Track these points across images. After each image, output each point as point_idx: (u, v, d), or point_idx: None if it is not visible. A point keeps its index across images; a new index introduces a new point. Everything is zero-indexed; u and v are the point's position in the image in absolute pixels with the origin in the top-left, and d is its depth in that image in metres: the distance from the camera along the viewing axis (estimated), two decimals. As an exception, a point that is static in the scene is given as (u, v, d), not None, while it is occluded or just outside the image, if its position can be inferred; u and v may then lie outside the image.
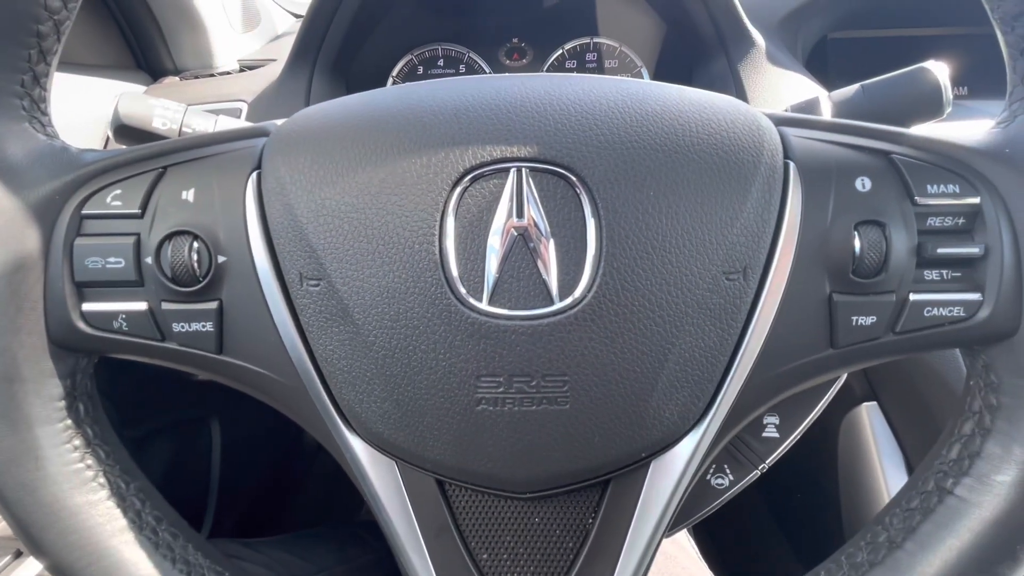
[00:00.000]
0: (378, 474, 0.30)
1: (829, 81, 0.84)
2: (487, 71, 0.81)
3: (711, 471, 0.34)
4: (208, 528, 0.79)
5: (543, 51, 0.81)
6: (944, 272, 0.27)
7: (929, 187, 0.27)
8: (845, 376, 0.32)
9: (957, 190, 0.27)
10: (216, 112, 0.74)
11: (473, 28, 0.80)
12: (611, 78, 0.30)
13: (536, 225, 0.26)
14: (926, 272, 0.27)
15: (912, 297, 0.27)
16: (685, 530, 0.62)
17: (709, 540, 0.72)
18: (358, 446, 0.29)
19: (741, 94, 0.66)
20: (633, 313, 0.26)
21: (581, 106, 0.28)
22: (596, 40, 0.80)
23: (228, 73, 0.83)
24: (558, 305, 0.26)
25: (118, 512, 0.29)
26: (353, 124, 0.29)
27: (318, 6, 0.68)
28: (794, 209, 0.27)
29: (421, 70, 0.82)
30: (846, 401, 0.66)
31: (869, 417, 0.64)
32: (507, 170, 0.26)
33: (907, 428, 0.61)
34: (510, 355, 0.26)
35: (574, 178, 0.26)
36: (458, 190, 0.27)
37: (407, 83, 0.32)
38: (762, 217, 0.27)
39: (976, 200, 0.27)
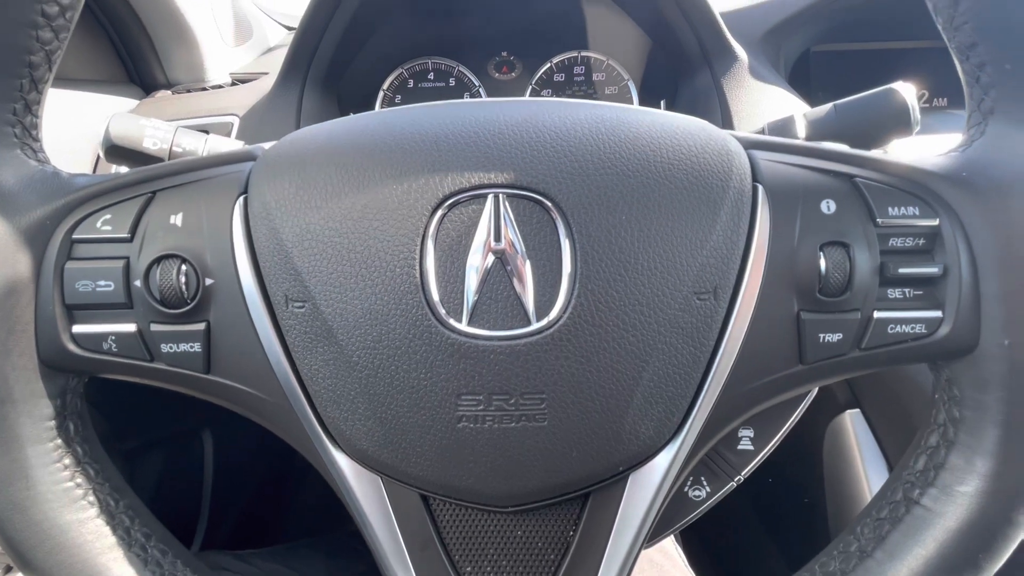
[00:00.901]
0: (363, 489, 0.30)
1: (812, 93, 0.85)
2: (476, 84, 0.83)
3: (689, 483, 0.34)
4: (201, 539, 0.80)
5: (532, 64, 0.82)
6: (906, 291, 0.28)
7: (890, 209, 0.28)
8: (817, 390, 0.33)
9: (917, 212, 0.28)
10: (208, 127, 0.75)
11: (463, 42, 0.81)
12: (586, 104, 0.31)
13: (513, 249, 0.27)
14: (889, 291, 0.28)
15: (876, 315, 0.28)
16: (672, 538, 0.63)
17: (698, 548, 0.73)
18: (343, 462, 0.30)
19: (724, 108, 0.67)
20: (607, 333, 0.27)
21: (556, 133, 0.29)
22: (584, 54, 0.81)
23: (220, 87, 0.84)
24: (535, 326, 0.27)
25: (107, 529, 0.30)
26: (337, 150, 0.30)
27: (309, 20, 0.69)
28: (762, 231, 0.28)
29: (412, 83, 0.83)
30: (830, 408, 0.68)
31: (852, 424, 0.65)
32: (484, 196, 0.27)
33: (888, 434, 0.62)
34: (489, 374, 0.27)
35: (549, 204, 0.27)
36: (438, 215, 0.27)
37: (391, 108, 0.33)
38: (731, 239, 0.28)
39: (935, 222, 0.28)
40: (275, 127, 0.71)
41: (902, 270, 0.28)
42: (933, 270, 0.28)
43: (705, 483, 0.34)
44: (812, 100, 0.81)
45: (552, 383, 0.27)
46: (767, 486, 0.75)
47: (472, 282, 0.27)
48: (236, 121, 0.72)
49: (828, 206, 0.28)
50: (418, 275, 0.27)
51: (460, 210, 0.28)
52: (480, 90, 0.83)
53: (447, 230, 0.27)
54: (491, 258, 0.27)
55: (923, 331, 0.28)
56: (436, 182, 0.27)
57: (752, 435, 0.34)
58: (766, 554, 0.81)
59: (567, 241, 0.27)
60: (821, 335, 0.28)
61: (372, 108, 0.83)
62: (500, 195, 0.27)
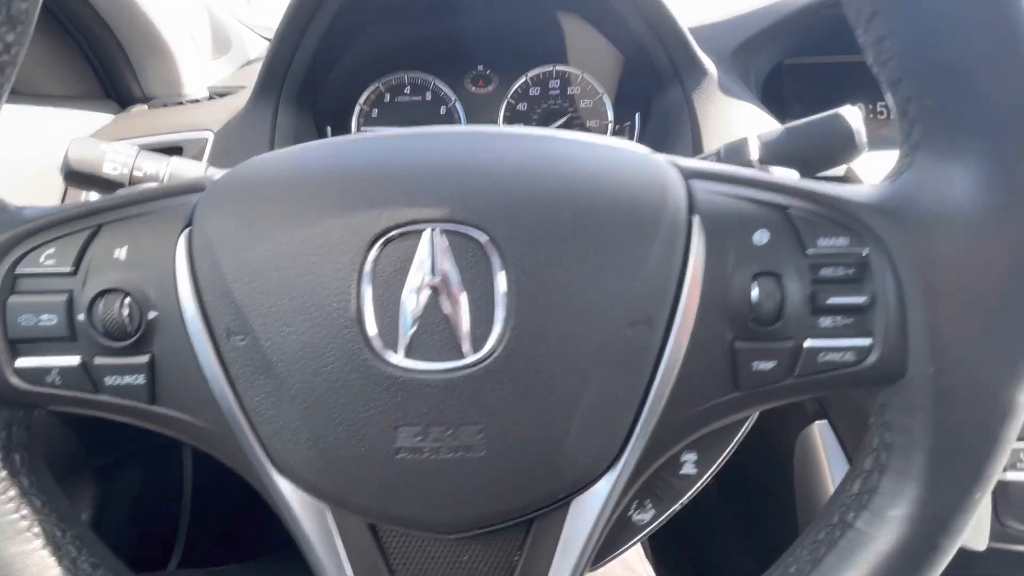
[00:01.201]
0: (309, 518, 0.31)
1: (786, 106, 0.86)
2: (452, 98, 0.83)
3: (633, 507, 0.35)
4: (179, 556, 0.80)
5: (507, 78, 0.83)
6: (836, 319, 0.29)
7: (820, 240, 0.29)
8: (757, 414, 0.34)
9: (847, 242, 0.29)
10: (182, 143, 0.75)
11: (439, 56, 0.82)
12: (525, 135, 0.31)
13: (448, 283, 0.28)
14: (820, 319, 0.29)
15: (807, 343, 0.29)
16: (640, 552, 0.64)
17: (669, 561, 0.73)
18: (289, 492, 0.30)
19: (694, 123, 0.68)
20: (543, 364, 0.28)
21: (492, 166, 0.29)
22: (559, 68, 0.82)
23: (197, 101, 0.84)
24: (471, 358, 0.28)
25: (52, 560, 0.30)
26: (277, 184, 0.30)
27: (283, 34, 0.69)
28: (697, 261, 0.29)
29: (388, 98, 0.84)
30: (800, 419, 0.68)
31: (820, 434, 0.66)
32: (420, 231, 0.28)
33: (855, 444, 0.63)
34: (426, 406, 0.28)
35: (485, 237, 0.28)
36: (374, 250, 0.28)
37: (334, 139, 0.33)
38: (665, 270, 0.29)
39: (864, 252, 0.29)
40: (249, 143, 0.71)
41: (831, 299, 0.29)
42: (861, 299, 0.28)
43: (650, 506, 0.35)
44: (786, 113, 0.82)
45: (489, 414, 0.28)
46: (738, 497, 0.76)
47: (408, 316, 0.28)
48: (211, 137, 0.72)
49: (761, 236, 0.29)
50: (354, 310, 0.28)
51: (396, 245, 0.28)
52: (456, 104, 0.84)
53: (383, 265, 0.28)
54: (427, 292, 0.28)
55: (853, 359, 0.29)
56: (373, 217, 0.28)
57: (696, 459, 0.35)
58: (737, 563, 0.81)
59: (501, 274, 0.28)
60: (754, 363, 0.29)
61: (349, 123, 0.83)
62: (435, 230, 0.28)
